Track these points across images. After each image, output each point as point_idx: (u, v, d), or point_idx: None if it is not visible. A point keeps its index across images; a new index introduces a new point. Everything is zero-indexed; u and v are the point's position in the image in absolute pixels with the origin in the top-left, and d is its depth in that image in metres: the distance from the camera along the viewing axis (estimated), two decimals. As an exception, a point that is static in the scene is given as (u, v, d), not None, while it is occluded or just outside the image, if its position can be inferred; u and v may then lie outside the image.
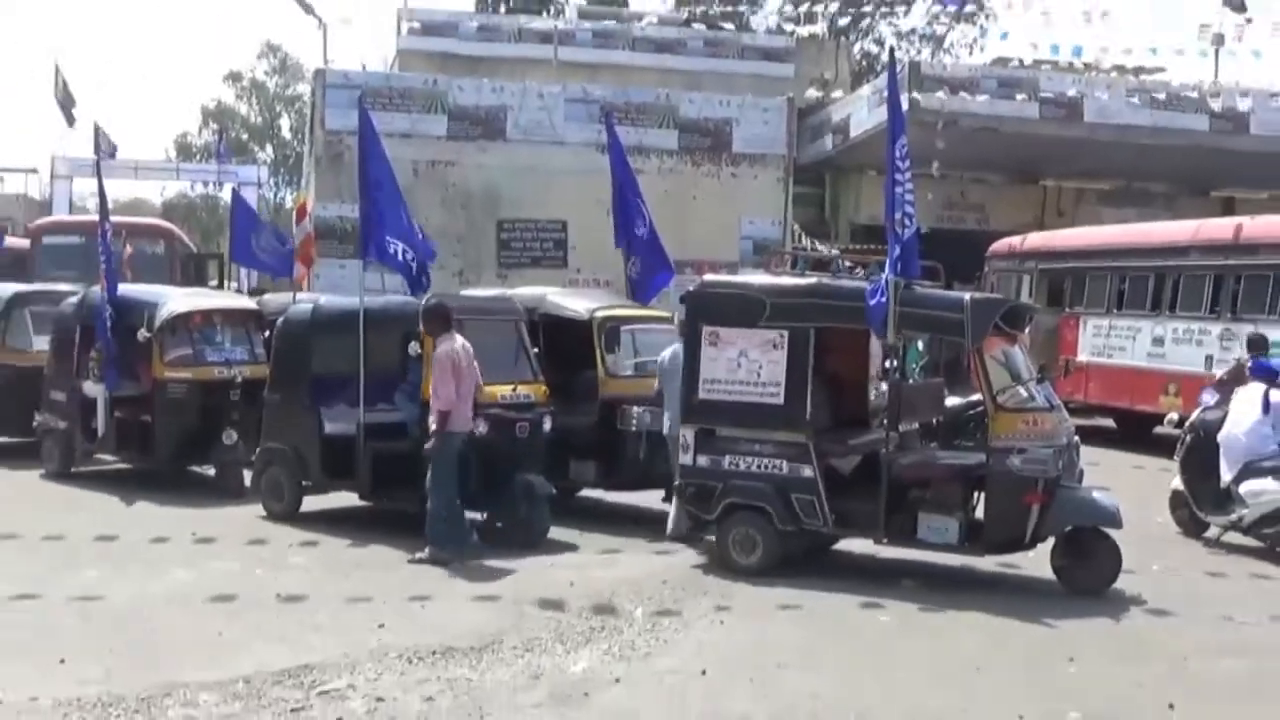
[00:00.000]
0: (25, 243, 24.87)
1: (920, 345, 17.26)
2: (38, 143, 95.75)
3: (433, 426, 9.86)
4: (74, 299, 14.42)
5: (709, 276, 11.77)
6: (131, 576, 9.19)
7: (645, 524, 11.49)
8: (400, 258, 11.46)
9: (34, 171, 57.23)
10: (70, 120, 40.36)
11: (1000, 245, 22.64)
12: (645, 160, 24.09)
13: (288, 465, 11.58)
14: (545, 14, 43.20)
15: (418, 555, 9.91)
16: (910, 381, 11.53)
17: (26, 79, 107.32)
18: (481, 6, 46.35)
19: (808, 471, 9.54)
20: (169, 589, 8.84)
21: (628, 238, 14.81)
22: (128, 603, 8.44)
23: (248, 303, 15.42)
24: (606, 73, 31.44)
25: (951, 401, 11.73)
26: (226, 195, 55.00)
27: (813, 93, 31.12)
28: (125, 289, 13.97)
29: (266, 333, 13.58)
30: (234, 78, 62.82)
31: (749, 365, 9.74)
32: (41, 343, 14.99)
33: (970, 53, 42.21)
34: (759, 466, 9.71)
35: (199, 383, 13.09)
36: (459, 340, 10.05)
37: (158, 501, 12.26)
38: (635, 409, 11.46)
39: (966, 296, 9.70)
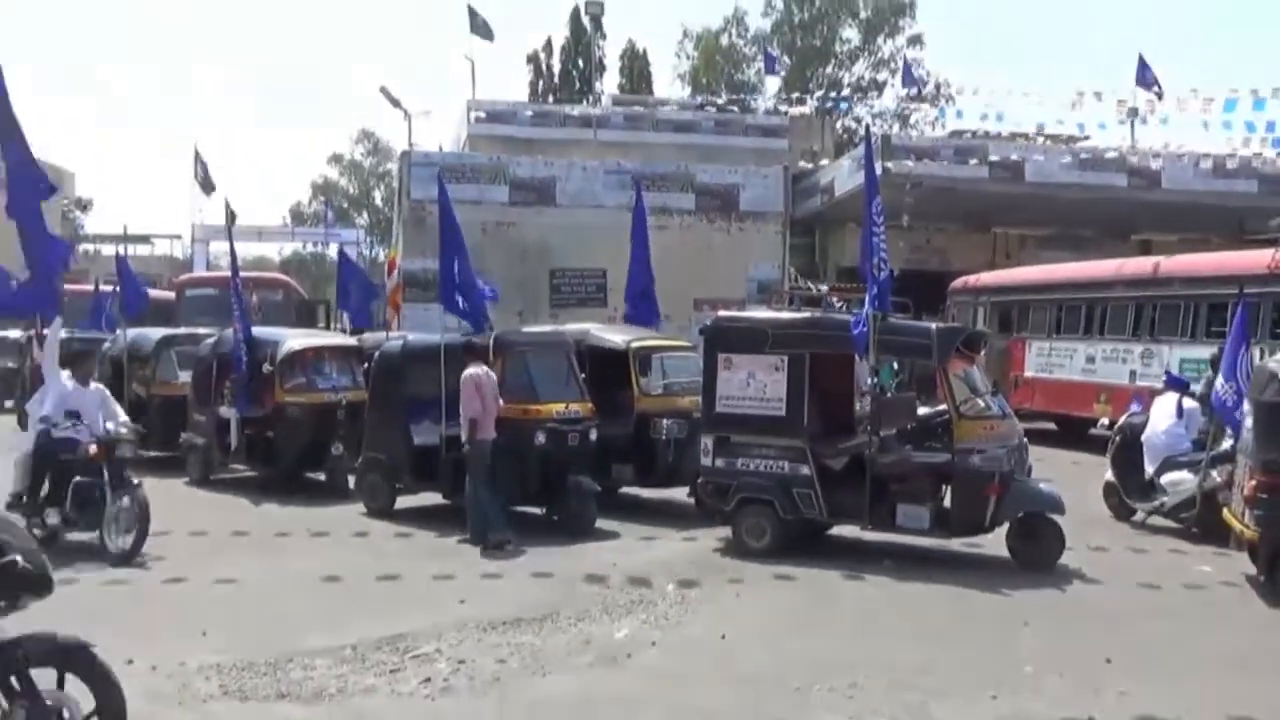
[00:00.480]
0: (171, 295, 25.04)
1: (895, 365, 17.16)
2: (179, 213, 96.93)
3: (464, 435, 9.97)
4: (211, 340, 14.52)
5: (722, 313, 11.80)
6: (260, 563, 9.23)
7: (674, 515, 11.47)
8: (462, 306, 11.52)
9: (178, 237, 58.08)
10: (208, 191, 40.63)
11: (959, 283, 22.52)
12: (669, 219, 24.13)
13: (384, 471, 11.61)
14: (585, 102, 43.40)
15: (461, 539, 10.02)
16: (888, 395, 11.45)
17: (169, 161, 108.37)
18: (534, 97, 46.60)
19: (805, 470, 9.52)
20: (290, 573, 8.86)
21: (638, 286, 14.85)
22: (257, 584, 8.47)
23: (350, 341, 15.47)
24: (635, 149, 31.53)
25: (922, 411, 11.67)
26: (332, 253, 55.53)
27: (804, 163, 31.13)
28: (254, 330, 14.03)
29: (366, 364, 13.63)
30: (336, 159, 63.55)
31: (756, 384, 9.74)
32: (185, 376, 15.08)
33: (932, 128, 42.20)
34: (765, 467, 9.69)
35: (312, 405, 13.11)
36: (482, 368, 10.14)
37: (280, 502, 12.30)
38: (665, 421, 11.45)
39: (933, 326, 9.70)
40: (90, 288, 24.28)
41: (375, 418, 11.89)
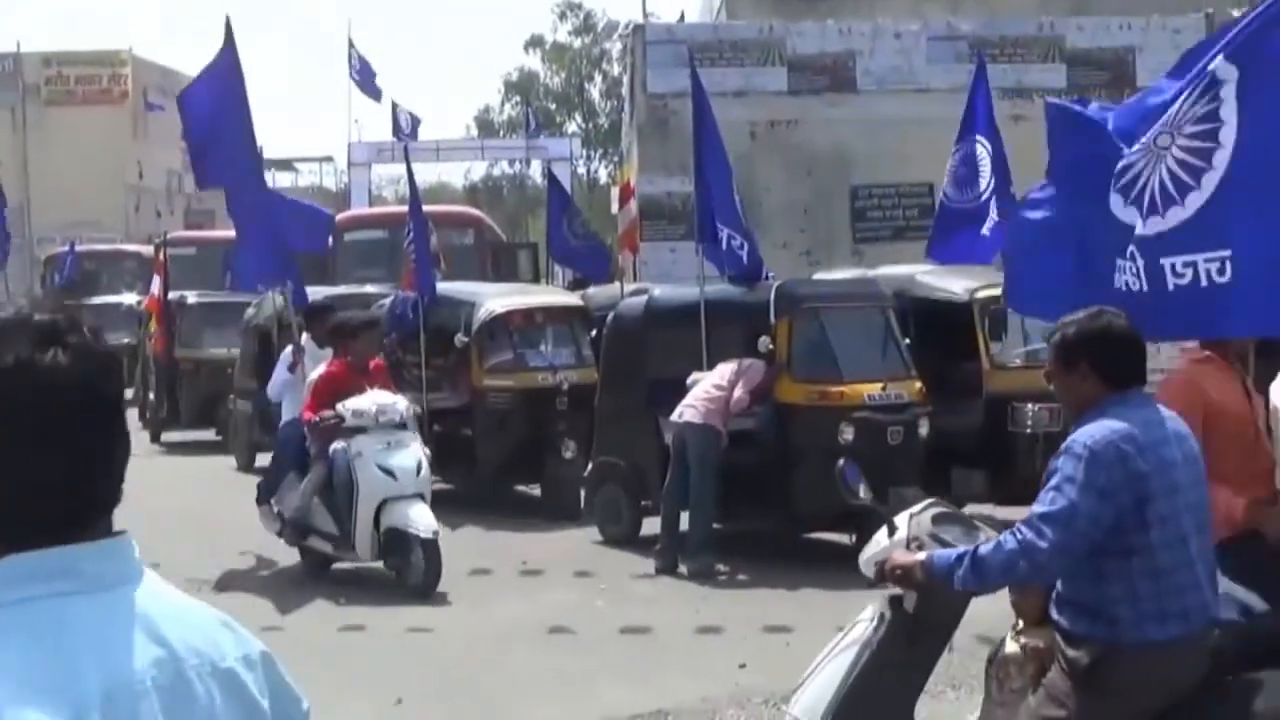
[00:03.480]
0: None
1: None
2: (330, 129, 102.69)
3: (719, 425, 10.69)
4: (386, 303, 15.24)
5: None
6: (460, 607, 9.80)
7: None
8: (725, 244, 11.76)
9: (329, 160, 61.52)
10: (376, 94, 42.64)
11: None
12: (1028, 104, 23.47)
13: (624, 482, 12.03)
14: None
15: (681, 568, 10.62)
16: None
17: (315, 63, 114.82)
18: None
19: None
20: (501, 621, 9.38)
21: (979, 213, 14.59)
22: (460, 636, 9.03)
23: (571, 298, 15.98)
24: (971, 2, 30.96)
25: None
26: (535, 174, 57.46)
27: (1237, 9, 29.71)
28: (440, 287, 14.67)
29: (594, 331, 14.10)
30: (535, 43, 64.83)
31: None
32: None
33: None
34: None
35: (522, 391, 13.65)
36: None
37: (484, 525, 12.92)
38: (1029, 406, 11.33)
39: None
40: (224, 234, 26.10)
41: (610, 407, 12.33)
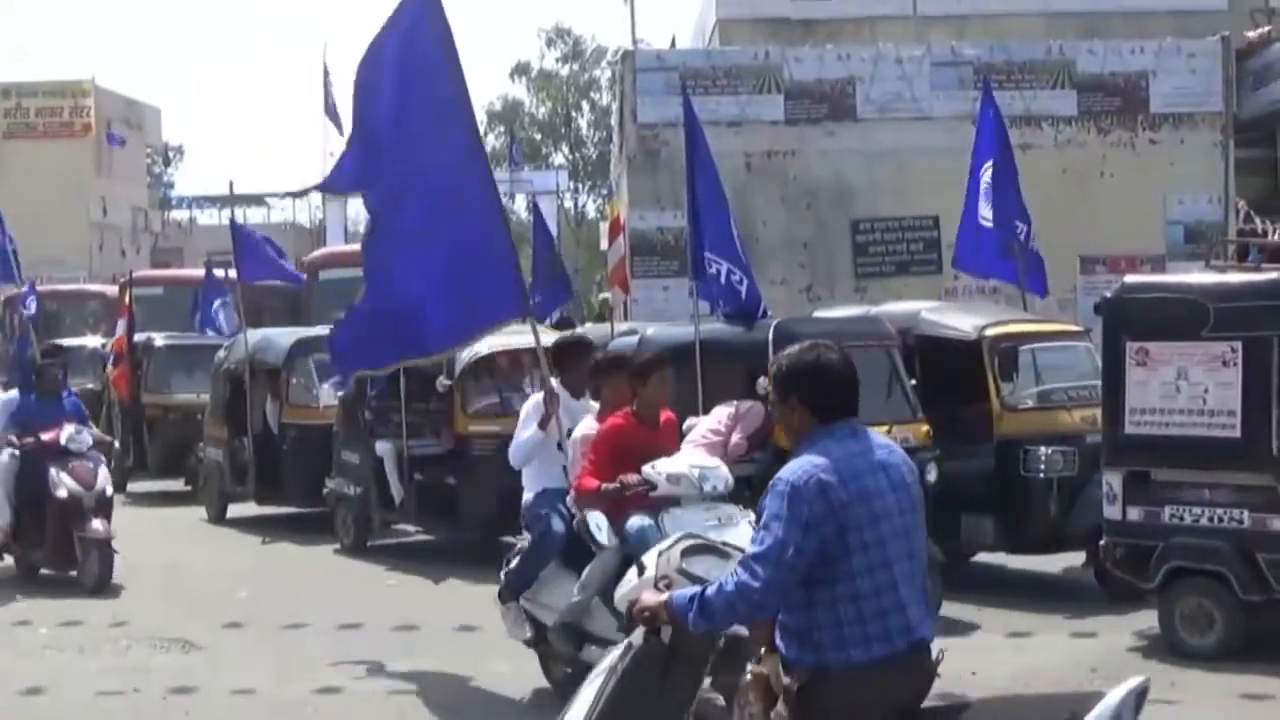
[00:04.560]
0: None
1: None
2: (303, 161, 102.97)
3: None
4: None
5: (1131, 277, 11.58)
6: (445, 670, 9.76)
7: (1060, 595, 11.39)
8: (723, 279, 11.79)
9: (302, 195, 61.64)
10: (341, 126, 42.74)
11: None
12: (1036, 132, 23.74)
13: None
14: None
15: None
16: None
17: (287, 92, 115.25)
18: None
19: None
20: (491, 686, 9.33)
21: (1004, 238, 14.80)
22: (444, 701, 8.98)
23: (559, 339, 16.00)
24: (977, 24, 31.13)
25: None
26: (520, 209, 57.50)
27: (1254, 31, 29.86)
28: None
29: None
30: (520, 70, 64.93)
31: (1191, 389, 9.54)
32: (330, 397, 16.01)
33: None
34: (1212, 519, 9.48)
35: (508, 437, 13.52)
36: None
37: (470, 579, 12.87)
38: (1043, 449, 11.35)
39: None
40: (193, 273, 26.12)
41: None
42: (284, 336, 17.40)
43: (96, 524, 12.71)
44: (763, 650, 4.81)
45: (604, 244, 27.51)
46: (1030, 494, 11.44)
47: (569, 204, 61.20)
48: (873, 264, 24.39)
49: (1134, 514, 9.79)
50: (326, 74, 42.65)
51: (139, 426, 19.95)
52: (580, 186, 64.07)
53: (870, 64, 25.14)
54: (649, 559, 5.31)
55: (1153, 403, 9.71)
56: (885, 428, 10.87)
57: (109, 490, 13.24)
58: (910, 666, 4.48)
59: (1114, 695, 4.39)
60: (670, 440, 8.89)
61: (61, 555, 12.92)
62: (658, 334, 13.01)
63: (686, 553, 5.31)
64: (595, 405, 9.15)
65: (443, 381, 13.72)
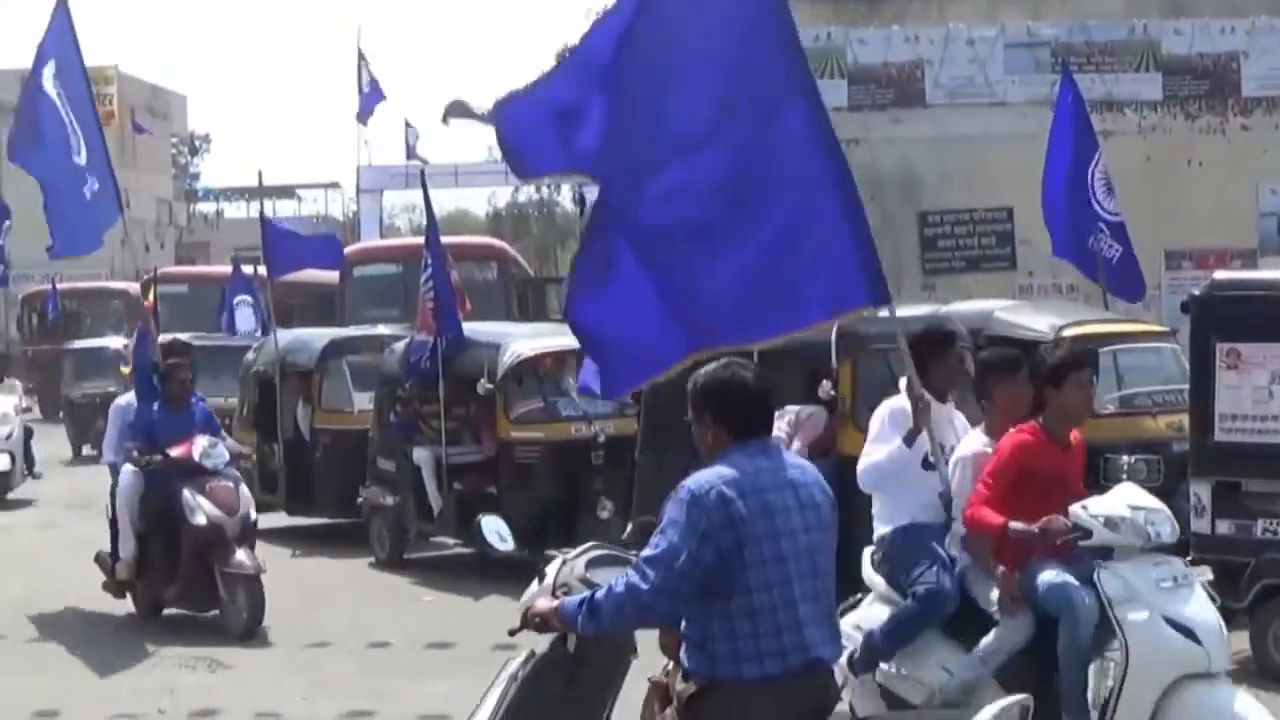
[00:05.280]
0: (331, 276, 26.59)
1: None
2: (337, 152, 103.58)
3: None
4: (401, 345, 15.33)
5: (1221, 274, 11.52)
6: (480, 689, 9.76)
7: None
8: None
9: (335, 186, 62.02)
10: (368, 110, 42.80)
11: None
12: (1118, 118, 23.59)
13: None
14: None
15: None
16: None
17: (319, 78, 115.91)
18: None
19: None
20: None
21: (1087, 231, 14.67)
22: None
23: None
24: (1054, 3, 30.95)
25: None
26: (566, 200, 57.72)
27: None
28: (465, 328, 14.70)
29: (633, 376, 14.10)
30: (570, 52, 64.94)
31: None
32: (364, 401, 16.09)
33: None
34: (1309, 534, 9.42)
35: (553, 444, 13.67)
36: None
37: (512, 595, 12.80)
38: (1125, 458, 11.27)
39: None
40: (220, 270, 26.32)
41: (652, 461, 12.32)
42: (316, 337, 17.47)
43: (242, 555, 11.44)
44: (670, 661, 5.08)
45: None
46: (1111, 505, 11.35)
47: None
48: (941, 259, 24.29)
49: (1223, 527, 9.72)
50: (361, 58, 43.02)
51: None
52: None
53: (940, 46, 25.05)
54: (551, 567, 5.51)
55: (1244, 409, 9.68)
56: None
57: (253, 514, 12.05)
58: (804, 686, 4.67)
59: (986, 714, 4.56)
60: (1079, 465, 7.56)
61: (199, 593, 11.68)
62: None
63: (592, 563, 5.46)
64: (959, 413, 8.03)
65: (484, 384, 13.73)
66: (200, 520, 11.42)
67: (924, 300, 18.58)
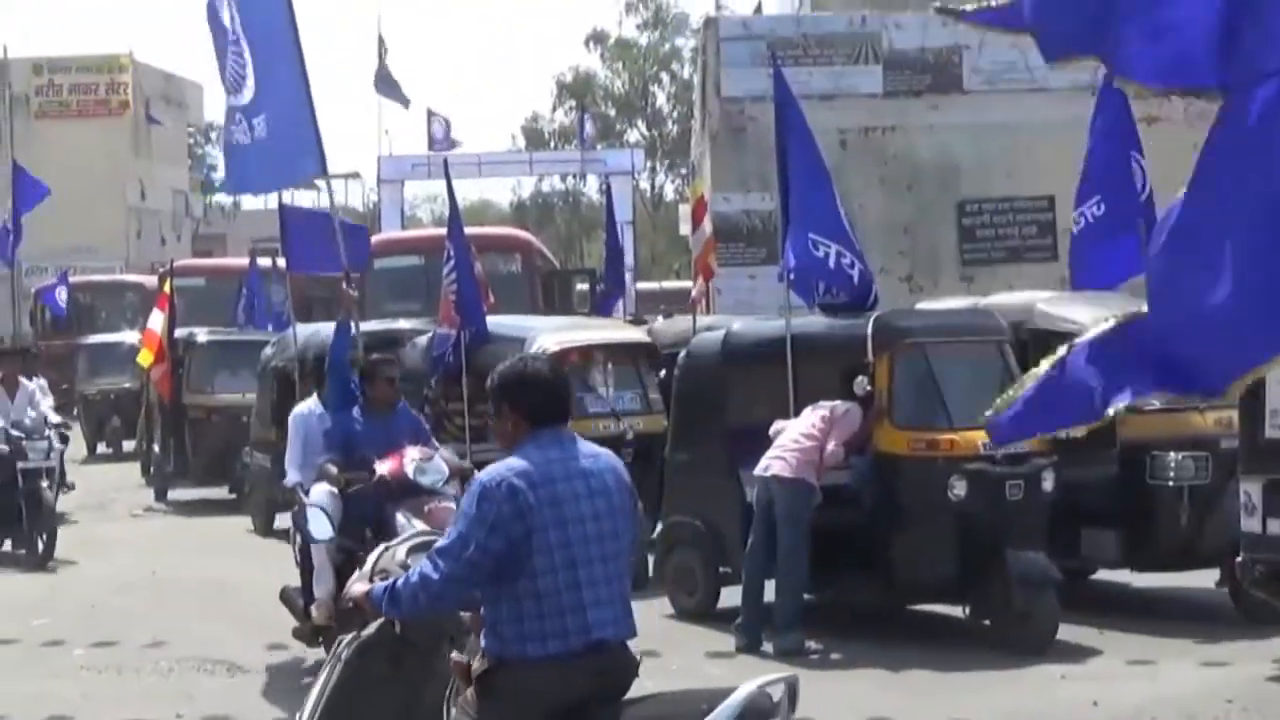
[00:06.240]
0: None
1: None
2: (357, 141, 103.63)
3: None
4: (421, 339, 15.39)
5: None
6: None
7: (1191, 618, 11.30)
8: (832, 263, 11.74)
9: (356, 176, 62.18)
10: (403, 101, 43.01)
11: None
12: (1164, 103, 23.34)
13: (700, 546, 12.02)
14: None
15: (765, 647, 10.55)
16: None
17: (338, 66, 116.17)
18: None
19: None
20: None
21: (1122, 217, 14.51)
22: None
23: (636, 334, 15.99)
24: (1099, -15, 30.93)
25: None
26: (592, 190, 57.75)
27: None
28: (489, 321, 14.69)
29: (662, 372, 14.11)
30: (596, 38, 64.93)
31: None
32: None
33: None
34: (1365, 534, 9.37)
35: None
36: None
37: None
38: (1172, 455, 11.25)
39: None
40: (237, 262, 26.34)
41: (683, 459, 12.33)
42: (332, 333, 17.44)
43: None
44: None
45: (684, 229, 27.48)
46: (1158, 505, 11.33)
47: (645, 186, 61.27)
48: (980, 250, 24.29)
49: (1275, 527, 9.65)
50: (381, 44, 43.16)
51: (180, 429, 20.14)
52: (658, 167, 64.10)
53: (978, 30, 24.96)
54: (373, 555, 5.84)
55: (1297, 402, 9.60)
56: (996, 431, 10.83)
57: None
58: (588, 665, 5.01)
59: (744, 689, 4.86)
60: None
61: None
62: (744, 328, 13.01)
63: (414, 549, 5.76)
64: None
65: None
66: None
67: (963, 293, 18.60)
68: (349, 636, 5.79)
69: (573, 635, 5.01)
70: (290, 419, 11.28)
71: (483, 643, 5.13)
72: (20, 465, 14.99)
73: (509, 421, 5.25)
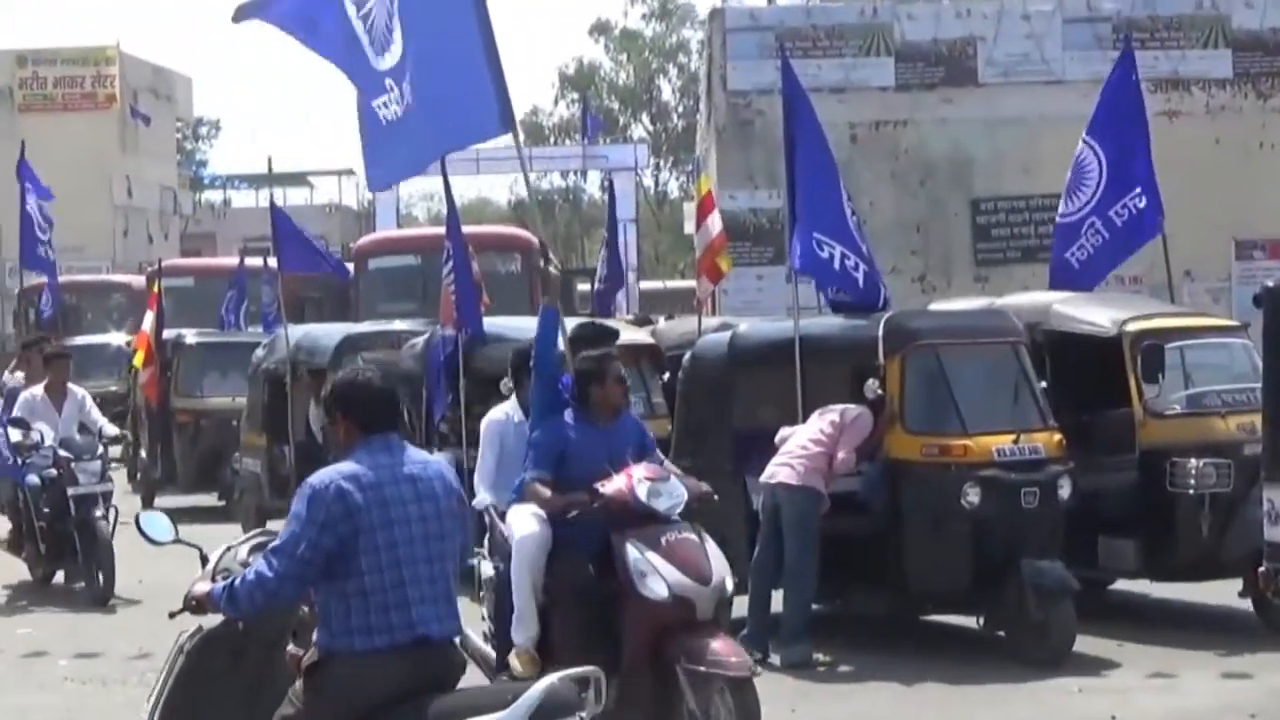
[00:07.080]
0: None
1: None
2: (350, 137, 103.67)
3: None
4: (419, 343, 15.33)
5: (1295, 264, 11.42)
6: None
7: (1212, 628, 11.30)
8: (838, 264, 11.73)
9: (349, 173, 62.13)
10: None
11: None
12: (1185, 97, 23.61)
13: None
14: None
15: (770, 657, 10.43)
16: None
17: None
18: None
19: None
20: None
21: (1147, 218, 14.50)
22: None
23: (640, 335, 15.97)
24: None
25: None
26: (593, 187, 57.71)
27: None
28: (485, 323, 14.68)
29: (666, 375, 14.11)
30: (600, 29, 64.87)
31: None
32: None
33: None
34: (1396, 543, 9.36)
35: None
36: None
37: (536, 607, 12.89)
38: (1193, 462, 11.24)
39: None
40: (227, 261, 26.35)
41: (686, 466, 12.24)
42: (329, 334, 17.41)
43: (720, 647, 7.82)
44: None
45: (689, 227, 27.46)
46: (1178, 512, 11.29)
47: (649, 182, 61.27)
48: (995, 249, 24.28)
49: (1300, 536, 9.66)
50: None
51: (167, 434, 20.12)
52: (663, 163, 64.06)
53: (993, 21, 25.02)
54: (215, 554, 6.21)
55: (1323, 406, 9.59)
56: (1011, 436, 10.85)
57: (730, 585, 8.32)
58: (411, 659, 5.40)
59: (544, 681, 5.28)
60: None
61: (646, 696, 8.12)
62: (751, 330, 13.00)
63: (256, 549, 6.10)
64: None
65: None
66: (659, 592, 7.93)
67: (977, 293, 18.59)
68: (192, 629, 6.19)
69: (398, 630, 5.40)
70: (483, 426, 10.22)
71: (314, 637, 5.56)
72: (71, 491, 13.55)
73: (343, 428, 5.70)
